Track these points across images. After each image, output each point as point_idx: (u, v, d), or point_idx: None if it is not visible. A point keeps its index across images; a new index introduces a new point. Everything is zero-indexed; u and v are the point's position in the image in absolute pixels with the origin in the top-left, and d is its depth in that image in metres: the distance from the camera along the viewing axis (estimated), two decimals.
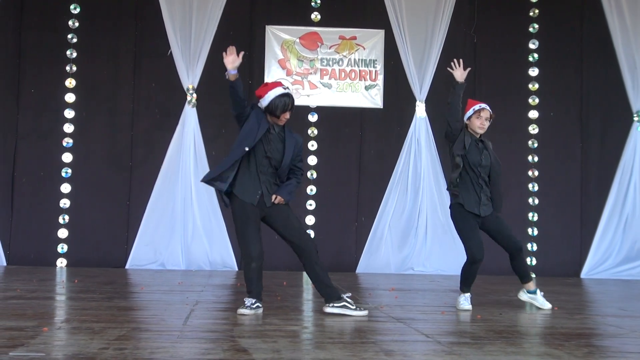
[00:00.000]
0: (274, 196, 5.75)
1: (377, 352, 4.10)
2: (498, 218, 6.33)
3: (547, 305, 6.37)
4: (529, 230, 10.76)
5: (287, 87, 5.86)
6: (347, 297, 5.71)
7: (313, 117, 10.76)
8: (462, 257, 10.33)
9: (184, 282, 8.17)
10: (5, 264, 10.11)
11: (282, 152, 5.78)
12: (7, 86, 10.47)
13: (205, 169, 9.99)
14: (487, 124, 6.35)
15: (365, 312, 5.67)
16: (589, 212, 10.85)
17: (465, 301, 6.32)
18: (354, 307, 5.65)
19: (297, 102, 10.72)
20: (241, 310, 5.60)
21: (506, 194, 10.74)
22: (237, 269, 10.24)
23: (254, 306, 5.66)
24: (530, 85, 10.96)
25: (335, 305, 5.65)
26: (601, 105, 11.00)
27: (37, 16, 10.56)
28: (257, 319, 5.37)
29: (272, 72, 10.74)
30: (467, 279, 6.32)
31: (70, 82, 10.51)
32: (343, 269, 10.37)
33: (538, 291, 6.47)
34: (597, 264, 10.65)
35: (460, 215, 6.25)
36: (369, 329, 5.09)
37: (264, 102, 5.77)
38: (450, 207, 6.36)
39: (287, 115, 5.80)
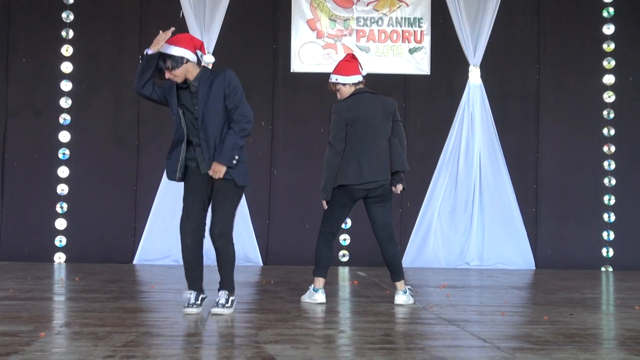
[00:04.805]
0: (211, 171, 5.49)
1: None
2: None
3: None
4: (605, 216, 10.64)
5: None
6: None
7: None
8: (526, 250, 10.37)
9: None
10: None
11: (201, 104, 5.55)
12: None
13: None
14: (337, 94, 6.56)
15: (232, 310, 5.60)
16: None
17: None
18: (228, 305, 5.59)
19: (328, 69, 10.85)
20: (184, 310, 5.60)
21: (578, 172, 10.75)
22: (261, 264, 10.28)
23: (193, 303, 5.58)
24: (605, 46, 10.81)
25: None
26: None
27: None
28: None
29: (299, 35, 10.72)
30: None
31: (67, 50, 10.59)
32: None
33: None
34: None
35: None
36: (417, 332, 5.07)
37: None
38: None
39: (166, 74, 5.48)
